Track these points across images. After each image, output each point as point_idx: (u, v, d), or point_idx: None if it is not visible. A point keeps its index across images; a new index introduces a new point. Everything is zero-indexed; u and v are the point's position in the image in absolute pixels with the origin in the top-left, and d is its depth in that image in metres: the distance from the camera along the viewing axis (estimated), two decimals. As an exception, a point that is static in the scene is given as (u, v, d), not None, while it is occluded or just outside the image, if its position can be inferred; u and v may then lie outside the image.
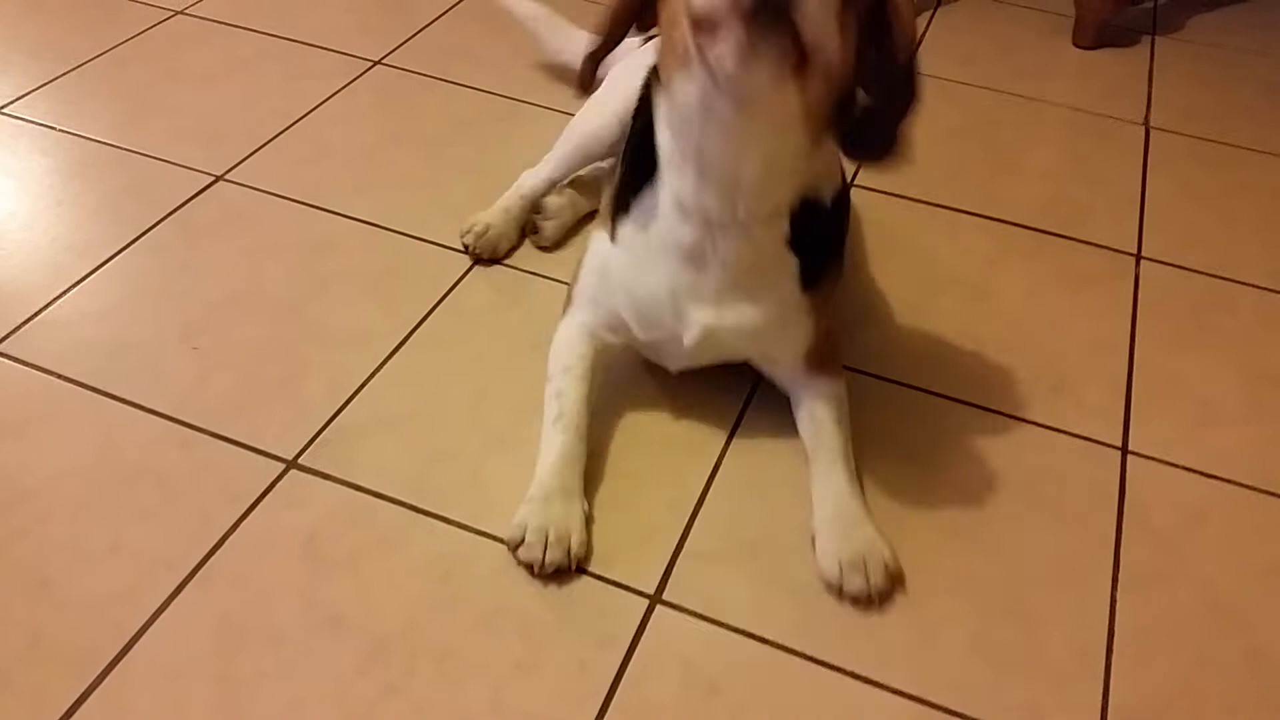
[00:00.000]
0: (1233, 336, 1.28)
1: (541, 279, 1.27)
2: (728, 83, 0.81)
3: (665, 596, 0.93)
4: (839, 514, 0.98)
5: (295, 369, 1.12)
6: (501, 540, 0.96)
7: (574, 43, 1.54)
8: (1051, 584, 0.97)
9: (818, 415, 1.05)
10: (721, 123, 0.86)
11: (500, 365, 1.15)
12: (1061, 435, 1.12)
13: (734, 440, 1.09)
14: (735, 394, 1.13)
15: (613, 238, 1.04)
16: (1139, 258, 1.38)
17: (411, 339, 1.17)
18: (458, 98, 1.59)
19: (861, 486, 1.02)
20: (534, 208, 1.32)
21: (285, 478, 1.00)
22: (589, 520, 0.98)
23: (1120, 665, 0.91)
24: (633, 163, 1.01)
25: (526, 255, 1.31)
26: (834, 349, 1.09)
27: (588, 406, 1.04)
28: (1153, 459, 1.10)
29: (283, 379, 1.11)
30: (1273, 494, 1.08)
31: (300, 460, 1.02)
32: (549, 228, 1.31)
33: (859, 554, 0.94)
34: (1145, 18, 2.00)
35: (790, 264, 0.99)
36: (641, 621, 0.91)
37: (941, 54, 1.80)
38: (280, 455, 1.03)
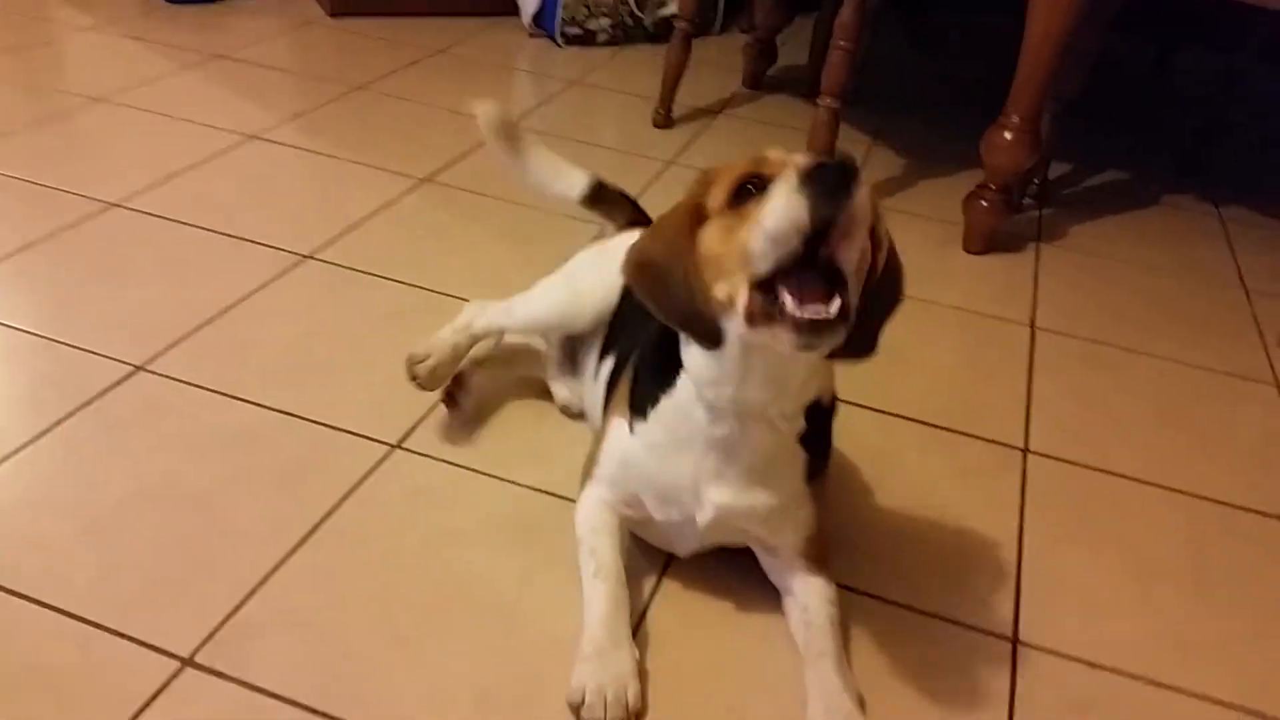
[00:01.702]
0: (1115, 529, 1.34)
1: (457, 468, 1.30)
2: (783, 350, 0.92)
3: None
4: (830, 713, 1.00)
5: (198, 564, 1.12)
6: (401, 740, 0.95)
7: (566, 179, 1.50)
8: (946, 780, 0.99)
9: (812, 614, 1.09)
10: (770, 357, 0.96)
11: (410, 557, 1.16)
12: (953, 626, 1.16)
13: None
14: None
15: (631, 429, 1.10)
16: (1026, 452, 1.46)
17: (318, 532, 1.18)
18: (383, 291, 1.65)
19: (856, 683, 1.04)
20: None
21: (179, 677, 0.99)
22: (643, 671, 1.02)
23: None
24: (653, 368, 1.09)
25: (437, 444, 1.34)
26: (827, 545, 1.14)
27: (622, 557, 1.11)
28: (1042, 649, 1.14)
29: (184, 575, 1.11)
30: (1158, 684, 1.12)
31: (196, 658, 1.01)
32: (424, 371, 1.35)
33: None
34: (1031, 226, 2.18)
35: (800, 457, 1.07)
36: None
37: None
38: (176, 653, 1.01)
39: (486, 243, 1.83)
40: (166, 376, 1.40)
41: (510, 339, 1.48)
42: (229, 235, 1.76)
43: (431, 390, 1.35)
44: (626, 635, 1.03)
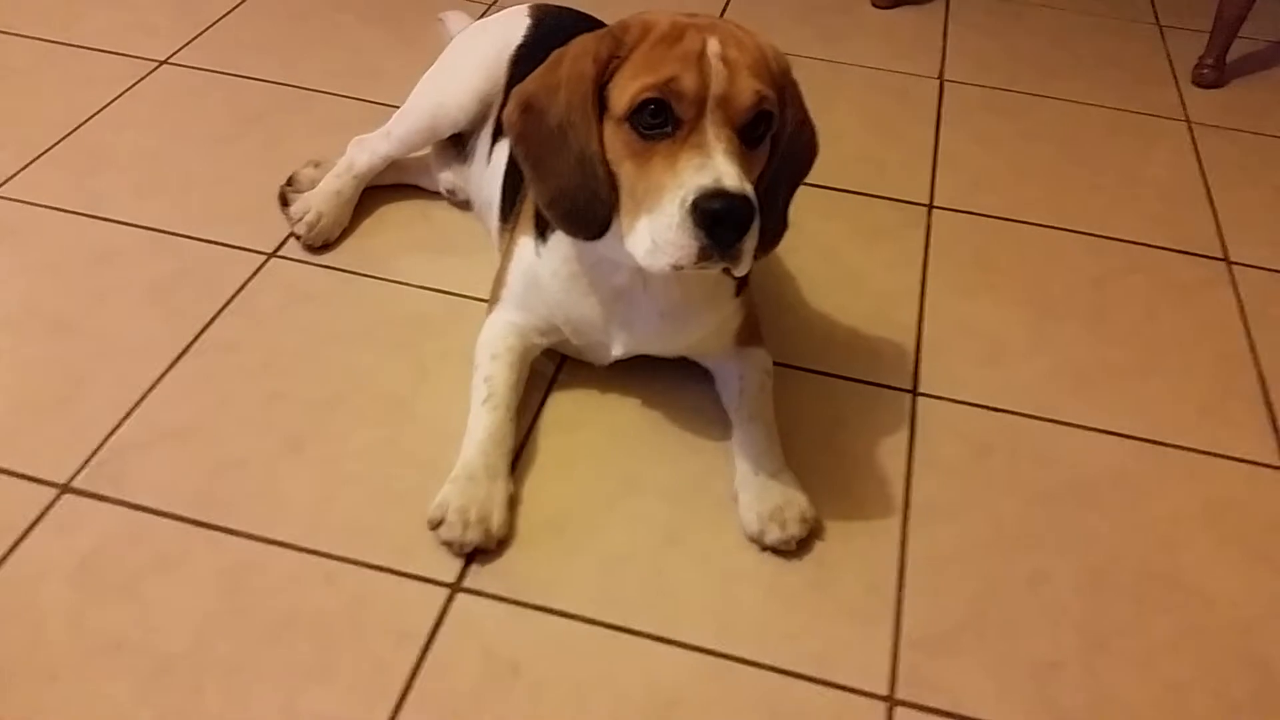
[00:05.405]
0: (1019, 275, 1.33)
1: (337, 272, 1.24)
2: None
3: (465, 584, 0.92)
4: (757, 470, 1.00)
5: (71, 388, 1.07)
6: (293, 547, 0.93)
7: None
8: (842, 527, 1.00)
9: (740, 382, 1.07)
10: None
11: (295, 363, 1.12)
12: (855, 384, 1.15)
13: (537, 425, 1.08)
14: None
15: (537, 251, 1.03)
16: (930, 207, 1.43)
17: (195, 345, 1.12)
18: (247, 92, 1.53)
19: (780, 444, 1.04)
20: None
21: (58, 504, 0.95)
22: (514, 501, 0.98)
23: (911, 598, 0.95)
24: None
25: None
26: (757, 322, 1.11)
27: (517, 391, 1.05)
28: (941, 398, 1.15)
29: (57, 400, 1.05)
30: (1053, 420, 1.13)
31: (74, 484, 0.97)
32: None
33: (777, 507, 0.97)
34: (941, -25, 2.06)
35: (727, 283, 1.02)
36: (440, 612, 0.90)
37: (745, 24, 1.82)
38: (52, 480, 0.97)
39: (356, 29, 1.69)
40: (19, 200, 1.30)
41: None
42: (74, 45, 1.60)
43: (318, 247, 1.25)
44: (505, 469, 0.99)
